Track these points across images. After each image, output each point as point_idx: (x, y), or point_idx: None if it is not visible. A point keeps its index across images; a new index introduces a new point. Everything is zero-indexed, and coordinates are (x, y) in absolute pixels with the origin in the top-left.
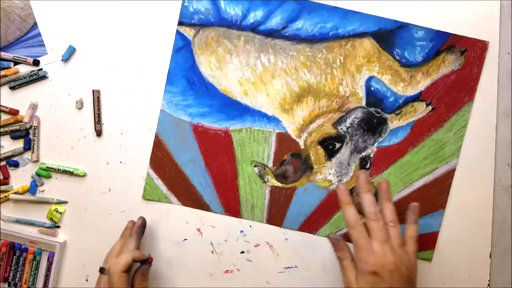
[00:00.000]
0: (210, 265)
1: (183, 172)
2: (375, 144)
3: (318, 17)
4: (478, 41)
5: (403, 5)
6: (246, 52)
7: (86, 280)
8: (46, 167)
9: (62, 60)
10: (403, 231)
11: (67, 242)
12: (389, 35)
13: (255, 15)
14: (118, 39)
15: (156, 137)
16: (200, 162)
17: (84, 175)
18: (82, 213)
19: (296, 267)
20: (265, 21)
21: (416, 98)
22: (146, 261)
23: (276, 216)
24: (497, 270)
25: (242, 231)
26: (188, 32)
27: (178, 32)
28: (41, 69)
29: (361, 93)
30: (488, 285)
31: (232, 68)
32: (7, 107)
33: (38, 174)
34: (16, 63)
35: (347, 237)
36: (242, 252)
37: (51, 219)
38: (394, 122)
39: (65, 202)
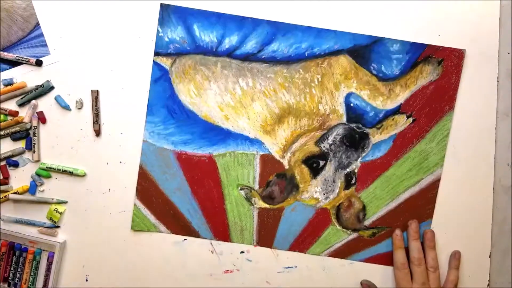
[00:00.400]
0: (210, 265)
1: (170, 200)
2: (359, 159)
3: (293, 38)
4: (455, 50)
5: (377, 20)
6: (224, 77)
7: (86, 280)
8: (46, 167)
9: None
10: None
11: (67, 242)
12: (364, 51)
13: (230, 40)
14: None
15: (141, 167)
16: (186, 189)
17: (84, 175)
18: (82, 213)
19: (296, 267)
20: (240, 45)
21: (396, 111)
22: None
23: (266, 238)
24: (497, 270)
25: None
26: (165, 62)
27: (155, 62)
28: (48, 81)
29: (341, 109)
30: (488, 285)
31: (211, 94)
32: (6, 109)
33: (38, 174)
34: (18, 63)
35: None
36: (242, 252)
37: (51, 219)
38: (376, 136)
39: (65, 202)
